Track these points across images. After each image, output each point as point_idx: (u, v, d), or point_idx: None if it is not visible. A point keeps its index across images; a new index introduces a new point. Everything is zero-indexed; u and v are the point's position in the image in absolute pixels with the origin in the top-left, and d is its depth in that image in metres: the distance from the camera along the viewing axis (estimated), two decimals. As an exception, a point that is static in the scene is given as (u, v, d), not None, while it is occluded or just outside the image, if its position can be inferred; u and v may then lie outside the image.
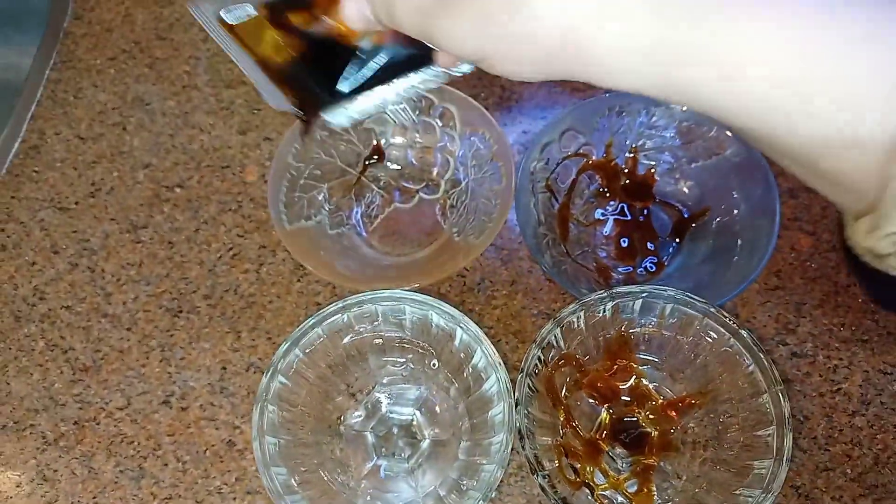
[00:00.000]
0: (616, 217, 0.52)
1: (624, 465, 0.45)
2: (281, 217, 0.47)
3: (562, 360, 0.44)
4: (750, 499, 0.39)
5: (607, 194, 0.52)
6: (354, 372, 0.48)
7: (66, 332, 0.51)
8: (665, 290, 0.42)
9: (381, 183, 0.54)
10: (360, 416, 0.47)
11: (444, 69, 0.33)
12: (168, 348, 0.50)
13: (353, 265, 0.50)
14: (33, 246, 0.54)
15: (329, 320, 0.44)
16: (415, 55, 0.33)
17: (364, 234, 0.53)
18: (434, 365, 0.47)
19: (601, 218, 0.52)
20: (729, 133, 0.48)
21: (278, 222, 0.47)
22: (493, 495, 0.40)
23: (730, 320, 0.41)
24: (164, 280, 0.52)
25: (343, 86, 0.33)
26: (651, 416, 0.45)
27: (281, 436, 0.43)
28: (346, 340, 0.46)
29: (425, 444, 0.47)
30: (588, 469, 0.44)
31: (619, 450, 0.45)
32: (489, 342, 0.42)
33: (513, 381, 0.41)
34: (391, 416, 0.48)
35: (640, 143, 0.51)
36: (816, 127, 0.23)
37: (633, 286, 0.43)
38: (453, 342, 0.44)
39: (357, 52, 0.33)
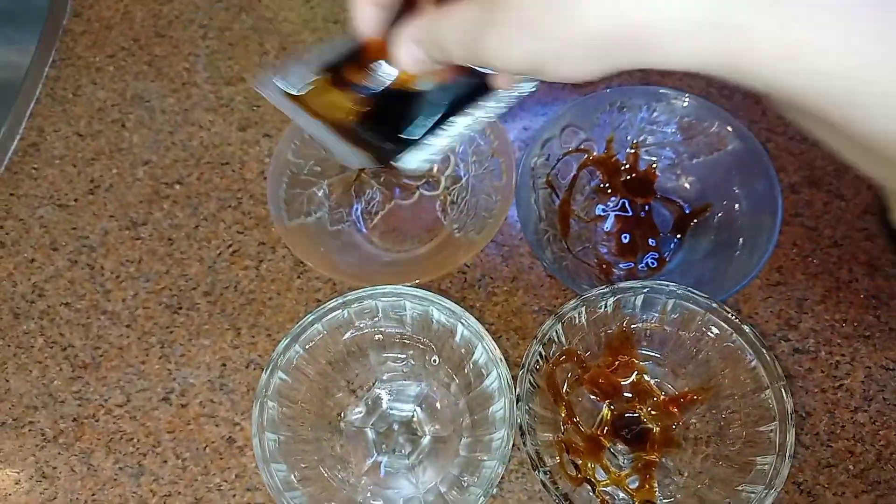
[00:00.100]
0: (617, 213, 0.52)
1: (625, 461, 0.44)
2: (281, 214, 0.47)
3: (563, 356, 0.44)
4: (752, 495, 0.38)
5: (608, 190, 0.52)
6: (355, 368, 0.48)
7: (65, 328, 0.51)
8: (667, 286, 0.42)
9: (381, 179, 0.54)
10: (360, 412, 0.47)
11: (506, 92, 0.33)
12: (168, 345, 0.50)
13: (353, 261, 0.50)
14: (32, 243, 0.53)
15: (329, 316, 0.44)
16: (478, 85, 0.33)
17: (364, 230, 0.53)
18: (435, 361, 0.47)
19: (602, 214, 0.52)
20: (730, 128, 0.47)
21: (278, 219, 0.47)
22: (493, 491, 0.40)
23: (732, 316, 0.41)
24: (163, 277, 0.52)
25: (414, 132, 0.33)
26: (653, 412, 0.45)
27: (281, 432, 0.42)
28: (346, 336, 0.46)
29: (426, 440, 0.47)
30: (589, 465, 0.43)
31: (620, 446, 0.45)
32: (490, 338, 0.42)
33: (514, 378, 0.41)
34: (392, 412, 0.47)
35: (642, 138, 0.51)
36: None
37: (635, 281, 0.42)
38: (454, 338, 0.44)
39: (421, 96, 0.33)
